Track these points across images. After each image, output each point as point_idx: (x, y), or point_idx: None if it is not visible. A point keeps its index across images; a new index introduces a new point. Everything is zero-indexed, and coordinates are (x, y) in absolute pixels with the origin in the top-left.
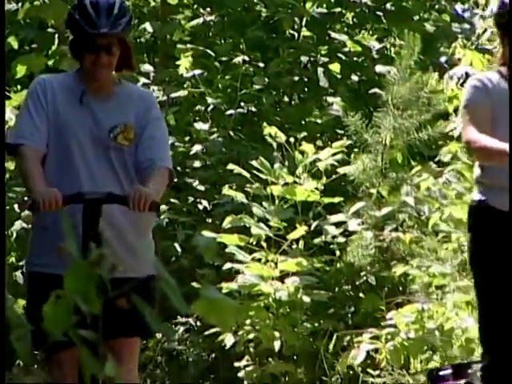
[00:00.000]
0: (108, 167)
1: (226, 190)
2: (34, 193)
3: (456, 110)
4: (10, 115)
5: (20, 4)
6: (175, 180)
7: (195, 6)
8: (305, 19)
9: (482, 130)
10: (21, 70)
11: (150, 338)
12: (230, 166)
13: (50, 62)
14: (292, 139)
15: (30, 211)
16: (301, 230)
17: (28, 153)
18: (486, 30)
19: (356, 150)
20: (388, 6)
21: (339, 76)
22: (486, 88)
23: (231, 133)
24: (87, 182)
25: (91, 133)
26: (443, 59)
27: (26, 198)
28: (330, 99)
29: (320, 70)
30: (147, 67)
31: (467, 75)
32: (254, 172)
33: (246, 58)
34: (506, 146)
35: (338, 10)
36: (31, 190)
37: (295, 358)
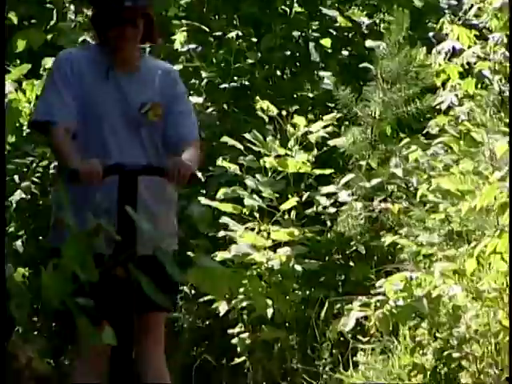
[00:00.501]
0: (137, 142)
1: (220, 162)
2: (73, 165)
3: (444, 84)
4: (9, 88)
5: None
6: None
7: None
8: None
9: None
10: (20, 45)
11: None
12: (224, 139)
13: (49, 37)
14: (284, 112)
15: (70, 183)
16: (293, 201)
17: (57, 130)
18: (472, 6)
19: (346, 122)
20: None
21: (330, 51)
22: None
23: (225, 106)
24: (117, 157)
25: (121, 108)
26: (431, 34)
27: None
28: (321, 73)
29: (311, 44)
30: None
31: (454, 50)
32: (248, 144)
33: (240, 34)
34: None
35: None
36: (69, 164)
37: (287, 325)
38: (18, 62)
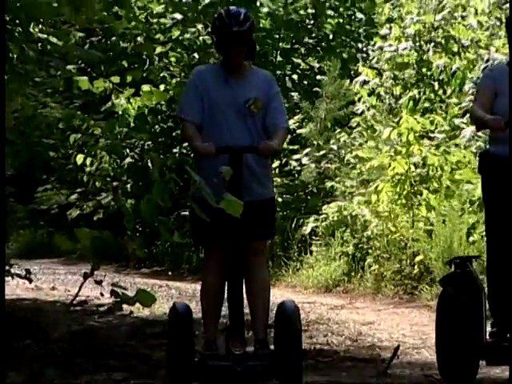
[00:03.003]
0: (244, 127)
1: None
2: (196, 147)
3: (359, 99)
4: (123, 102)
5: (128, 43)
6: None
7: None
8: (278, 51)
9: (481, 106)
10: (129, 78)
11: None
12: None
13: (144, 74)
14: None
15: (196, 157)
16: (276, 163)
17: (187, 124)
18: (374, 57)
19: (306, 120)
20: (323, 44)
21: (297, 81)
22: (492, 74)
23: None
24: (227, 138)
25: (232, 104)
26: (352, 72)
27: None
28: (291, 93)
29: (287, 78)
30: None
31: (364, 81)
32: None
33: None
34: (483, 117)
35: (296, 46)
36: (194, 146)
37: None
38: (128, 87)
